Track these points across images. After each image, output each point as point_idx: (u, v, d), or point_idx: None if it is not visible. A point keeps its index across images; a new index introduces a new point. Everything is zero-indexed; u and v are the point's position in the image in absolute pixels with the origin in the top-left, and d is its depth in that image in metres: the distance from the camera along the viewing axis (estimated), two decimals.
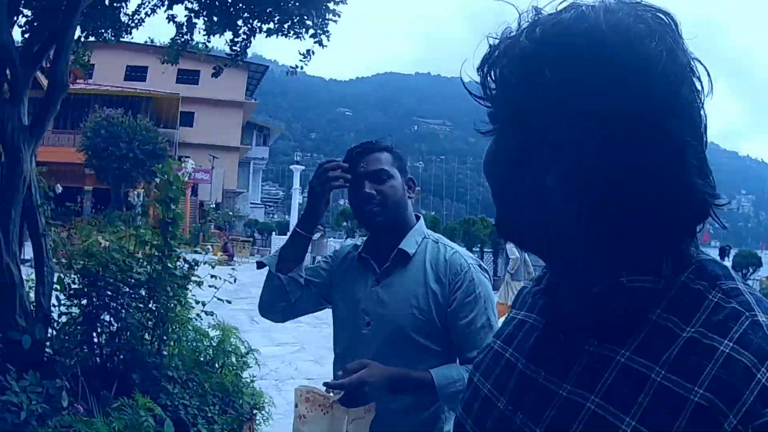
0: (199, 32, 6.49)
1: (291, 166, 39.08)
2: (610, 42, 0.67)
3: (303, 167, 37.57)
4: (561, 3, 0.73)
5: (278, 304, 2.14)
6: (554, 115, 0.70)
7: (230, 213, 37.40)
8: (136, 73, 42.00)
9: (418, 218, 2.11)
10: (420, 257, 2.00)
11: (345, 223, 28.43)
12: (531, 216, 0.76)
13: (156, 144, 28.50)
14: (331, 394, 1.77)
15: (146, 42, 51.23)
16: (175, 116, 38.13)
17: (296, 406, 1.80)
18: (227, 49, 6.68)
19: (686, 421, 0.60)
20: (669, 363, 0.65)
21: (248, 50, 6.65)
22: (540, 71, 0.70)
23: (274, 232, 35.93)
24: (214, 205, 40.89)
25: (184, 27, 6.48)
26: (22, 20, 5.18)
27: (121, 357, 3.98)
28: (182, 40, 6.80)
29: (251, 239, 37.55)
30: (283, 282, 2.08)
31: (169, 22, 6.58)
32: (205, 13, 6.28)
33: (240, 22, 6.23)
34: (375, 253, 2.07)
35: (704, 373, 0.62)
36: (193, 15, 6.45)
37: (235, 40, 6.45)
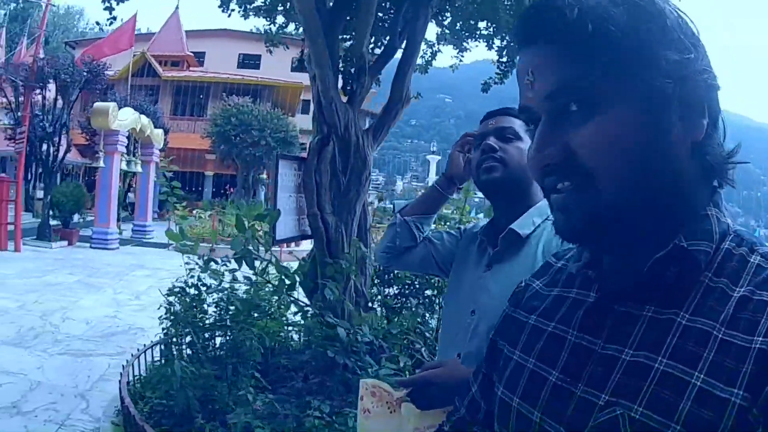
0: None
1: (427, 156, 39.21)
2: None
3: (439, 157, 37.45)
4: None
5: (387, 246, 2.12)
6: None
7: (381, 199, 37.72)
8: (250, 61, 42.90)
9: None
10: (535, 241, 1.77)
11: None
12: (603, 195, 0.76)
13: (287, 131, 28.91)
14: (398, 391, 1.66)
15: (252, 30, 52.68)
16: (294, 104, 38.52)
17: (361, 398, 1.72)
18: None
19: (752, 366, 0.64)
20: (727, 320, 0.69)
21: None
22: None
23: None
24: None
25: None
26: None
27: None
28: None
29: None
30: (398, 225, 2.07)
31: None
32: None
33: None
34: (491, 234, 1.87)
35: (760, 323, 0.66)
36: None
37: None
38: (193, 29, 40.87)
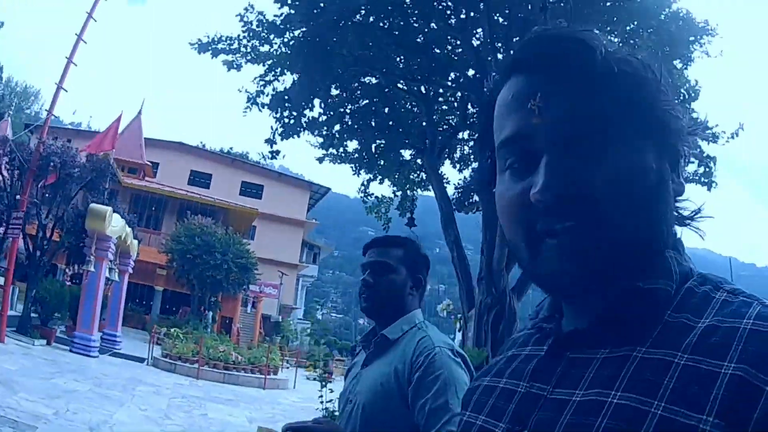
0: None
1: None
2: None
3: None
4: None
5: None
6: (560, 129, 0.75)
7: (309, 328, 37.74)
8: (201, 179, 43.60)
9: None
10: (401, 343, 2.10)
11: None
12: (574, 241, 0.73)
13: (248, 258, 29.34)
14: None
15: (200, 145, 52.70)
16: (245, 228, 38.83)
17: None
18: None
19: (722, 392, 0.60)
20: (691, 347, 0.66)
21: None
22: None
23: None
24: (280, 319, 41.35)
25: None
26: None
27: None
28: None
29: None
30: None
31: None
32: None
33: None
34: (366, 341, 2.24)
35: (731, 349, 0.63)
36: None
37: None
38: (148, 137, 40.12)
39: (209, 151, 51.21)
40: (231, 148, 65.02)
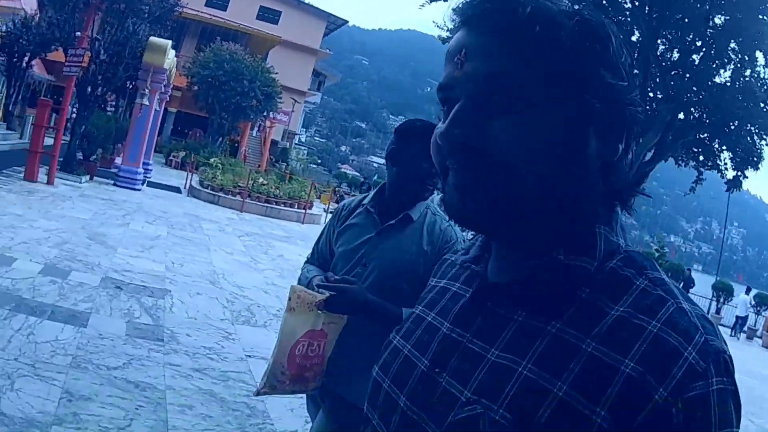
0: None
1: None
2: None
3: None
4: None
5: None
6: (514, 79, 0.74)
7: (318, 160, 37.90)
8: (218, 1, 41.68)
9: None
10: (419, 222, 2.31)
11: None
12: (489, 189, 0.75)
13: (273, 87, 28.99)
14: (319, 294, 2.13)
15: None
16: (261, 55, 38.06)
17: (289, 299, 2.16)
18: None
19: (618, 389, 0.64)
20: (600, 336, 0.69)
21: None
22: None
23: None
24: (287, 145, 41.58)
25: None
26: None
27: None
28: None
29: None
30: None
31: None
32: None
33: None
34: (380, 210, 2.39)
35: (634, 348, 0.66)
36: None
37: None
38: None
39: None
40: None
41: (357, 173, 57.03)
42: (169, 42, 16.44)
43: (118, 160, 18.38)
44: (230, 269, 9.54)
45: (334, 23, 48.54)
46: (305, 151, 53.82)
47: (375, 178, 43.19)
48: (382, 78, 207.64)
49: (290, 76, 41.94)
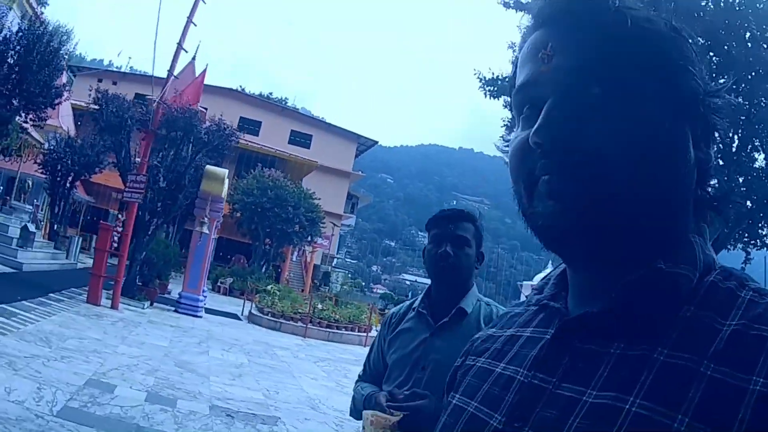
0: None
1: None
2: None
3: None
4: None
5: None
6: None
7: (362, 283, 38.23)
8: (250, 126, 43.05)
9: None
10: (474, 315, 2.26)
11: None
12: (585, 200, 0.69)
13: (317, 212, 29.66)
14: (393, 416, 1.98)
15: (240, 89, 52.95)
16: (298, 180, 39.09)
17: (363, 428, 2.05)
18: None
19: (750, 411, 0.55)
20: (717, 355, 0.60)
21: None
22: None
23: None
24: (329, 269, 41.93)
25: None
26: None
27: None
28: None
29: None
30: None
31: None
32: None
33: None
34: (432, 310, 2.33)
35: (759, 362, 0.58)
36: None
37: None
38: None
39: (259, 98, 51.12)
40: (271, 93, 64.75)
41: (390, 292, 57.02)
42: (226, 171, 17.02)
43: (170, 286, 18.56)
44: (323, 395, 9.57)
45: (364, 144, 50.14)
46: (346, 274, 54.08)
47: (410, 295, 43.12)
48: (407, 195, 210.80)
49: (326, 200, 42.64)
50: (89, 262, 17.58)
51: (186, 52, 16.60)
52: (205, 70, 22.92)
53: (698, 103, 0.72)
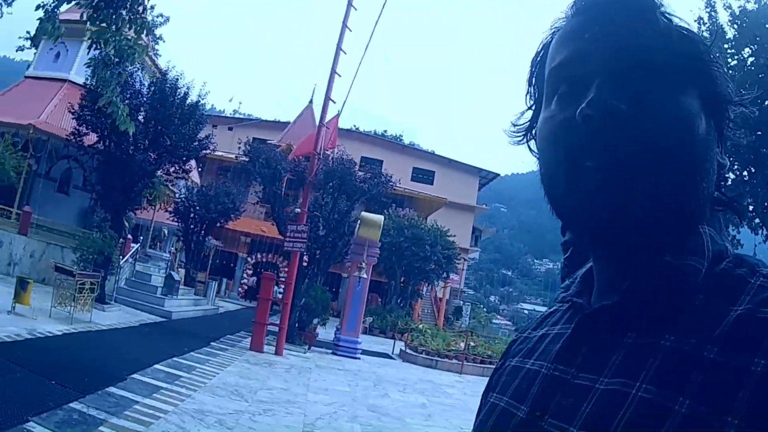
0: None
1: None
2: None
3: None
4: None
5: None
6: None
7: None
8: (373, 166, 43.95)
9: None
10: None
11: None
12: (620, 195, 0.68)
13: (452, 249, 29.96)
14: None
15: (354, 128, 54.20)
16: (426, 217, 39.50)
17: None
18: None
19: (750, 392, 0.56)
20: (721, 339, 0.61)
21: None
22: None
23: None
24: (461, 303, 42.10)
25: None
26: None
27: None
28: None
29: None
30: None
31: None
32: None
33: None
34: None
35: (764, 344, 0.58)
36: None
37: None
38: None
39: (376, 136, 52.28)
40: (385, 131, 65.89)
41: (509, 322, 56.08)
42: (382, 217, 17.64)
43: (319, 329, 19.27)
44: None
45: (485, 177, 50.18)
46: (474, 306, 53.98)
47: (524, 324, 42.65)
48: (521, 223, 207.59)
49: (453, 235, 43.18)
50: (226, 305, 18.22)
51: (334, 102, 17.27)
52: (338, 115, 22.91)
53: (727, 109, 0.76)
